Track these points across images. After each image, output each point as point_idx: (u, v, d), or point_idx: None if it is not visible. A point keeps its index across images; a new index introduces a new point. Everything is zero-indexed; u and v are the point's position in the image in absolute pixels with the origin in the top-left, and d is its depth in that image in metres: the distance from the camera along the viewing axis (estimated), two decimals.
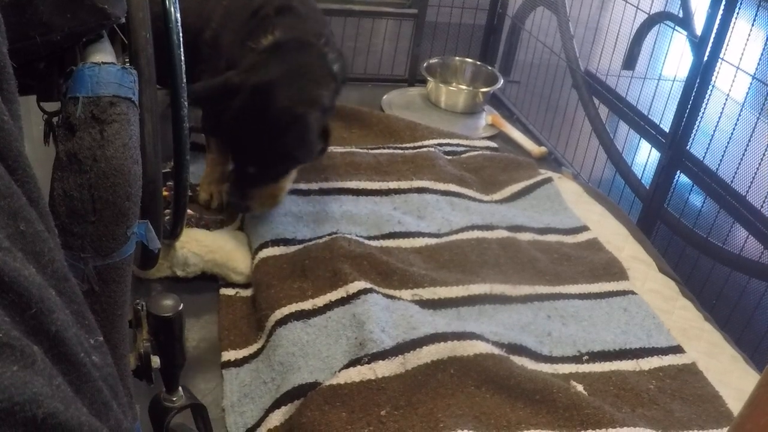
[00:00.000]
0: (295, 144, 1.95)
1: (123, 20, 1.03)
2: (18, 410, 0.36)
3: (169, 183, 1.64)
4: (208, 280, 1.99)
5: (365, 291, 1.82)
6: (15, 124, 0.59)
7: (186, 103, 1.22)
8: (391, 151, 2.57)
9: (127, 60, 1.06)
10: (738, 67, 2.23)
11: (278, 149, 1.95)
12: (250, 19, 2.06)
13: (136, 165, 0.96)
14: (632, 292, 2.07)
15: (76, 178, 0.92)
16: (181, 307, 1.19)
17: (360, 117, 2.81)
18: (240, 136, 1.97)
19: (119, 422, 0.49)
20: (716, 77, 2.32)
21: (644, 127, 2.60)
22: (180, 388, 1.30)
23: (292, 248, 2.00)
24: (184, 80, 1.21)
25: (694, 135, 2.41)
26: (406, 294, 1.90)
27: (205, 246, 1.97)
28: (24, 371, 0.38)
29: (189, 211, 2.04)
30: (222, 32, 2.09)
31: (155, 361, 1.20)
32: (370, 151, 2.55)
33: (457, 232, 2.18)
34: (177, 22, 1.18)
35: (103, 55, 1.00)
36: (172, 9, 1.18)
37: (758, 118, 2.27)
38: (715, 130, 2.32)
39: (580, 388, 1.73)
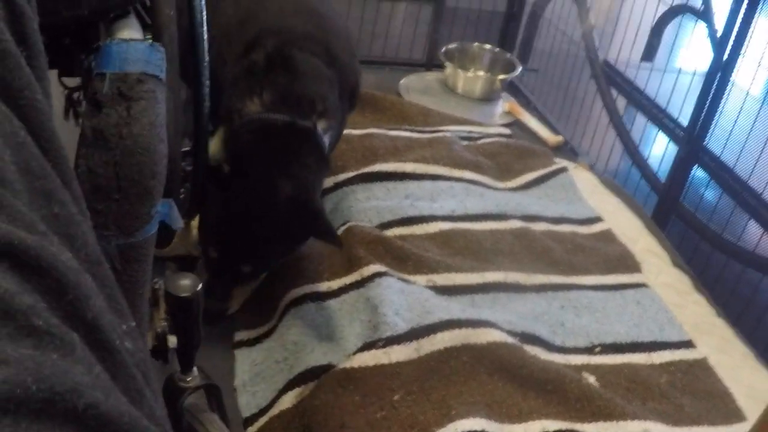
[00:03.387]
0: (310, 233, 1.76)
1: None
2: (59, 400, 0.35)
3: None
4: None
5: (379, 274, 1.82)
6: (47, 103, 0.58)
7: (207, 81, 1.21)
8: (408, 134, 2.55)
9: (149, 38, 1.05)
10: (760, 64, 2.21)
11: (286, 242, 1.77)
12: (241, 57, 1.82)
13: (162, 143, 0.95)
14: (645, 285, 2.06)
15: (102, 155, 0.91)
16: (199, 287, 1.18)
17: (373, 101, 2.78)
18: (235, 232, 1.71)
19: (152, 410, 0.48)
20: (737, 73, 2.30)
21: (662, 120, 2.58)
22: (194, 368, 1.30)
23: None
24: (207, 59, 1.20)
25: (712, 130, 2.39)
26: (421, 279, 1.89)
27: None
28: (64, 360, 0.37)
29: None
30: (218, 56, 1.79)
31: (171, 340, 1.19)
32: (388, 132, 2.53)
33: (471, 219, 2.17)
34: None
35: (131, 31, 0.99)
36: None
37: None
38: (733, 126, 2.30)
39: (592, 379, 1.72)
